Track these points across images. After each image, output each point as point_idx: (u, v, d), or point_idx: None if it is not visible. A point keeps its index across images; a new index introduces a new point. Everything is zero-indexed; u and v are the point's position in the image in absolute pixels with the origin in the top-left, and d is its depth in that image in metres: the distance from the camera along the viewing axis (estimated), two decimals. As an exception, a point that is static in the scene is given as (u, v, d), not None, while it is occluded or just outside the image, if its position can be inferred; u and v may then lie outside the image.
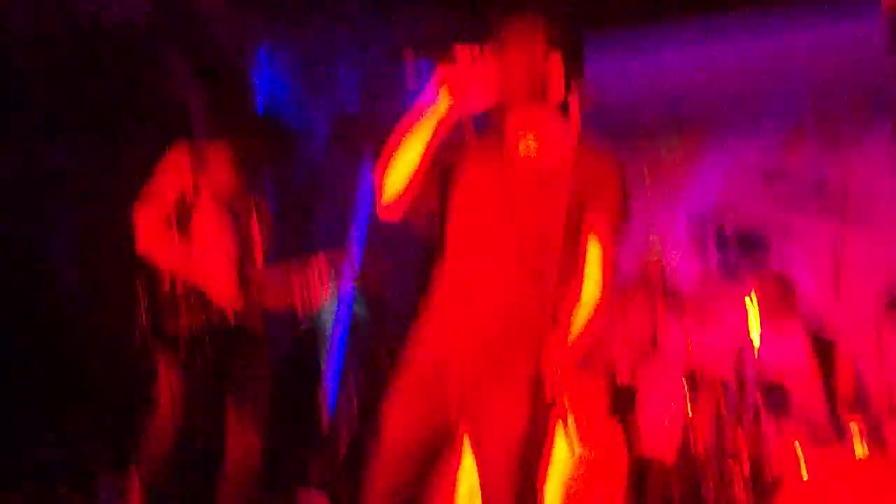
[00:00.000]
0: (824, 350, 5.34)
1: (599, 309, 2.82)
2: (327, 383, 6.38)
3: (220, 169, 4.24)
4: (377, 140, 2.95)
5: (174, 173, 4.10)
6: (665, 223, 6.76)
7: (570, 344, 2.77)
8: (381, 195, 2.87)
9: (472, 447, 2.85)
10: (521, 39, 2.82)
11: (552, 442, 2.84)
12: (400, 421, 2.85)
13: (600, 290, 2.83)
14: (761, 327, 5.22)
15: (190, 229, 4.12)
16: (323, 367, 6.38)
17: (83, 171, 5.36)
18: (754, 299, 5.22)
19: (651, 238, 6.43)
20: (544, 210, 2.76)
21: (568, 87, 2.85)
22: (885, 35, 5.06)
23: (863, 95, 6.10)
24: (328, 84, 6.27)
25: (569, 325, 2.78)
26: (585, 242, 2.85)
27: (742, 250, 6.48)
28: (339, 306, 6.30)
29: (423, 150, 2.80)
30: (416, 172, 2.82)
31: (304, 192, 6.36)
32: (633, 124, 6.97)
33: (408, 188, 2.84)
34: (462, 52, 2.74)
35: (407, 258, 6.26)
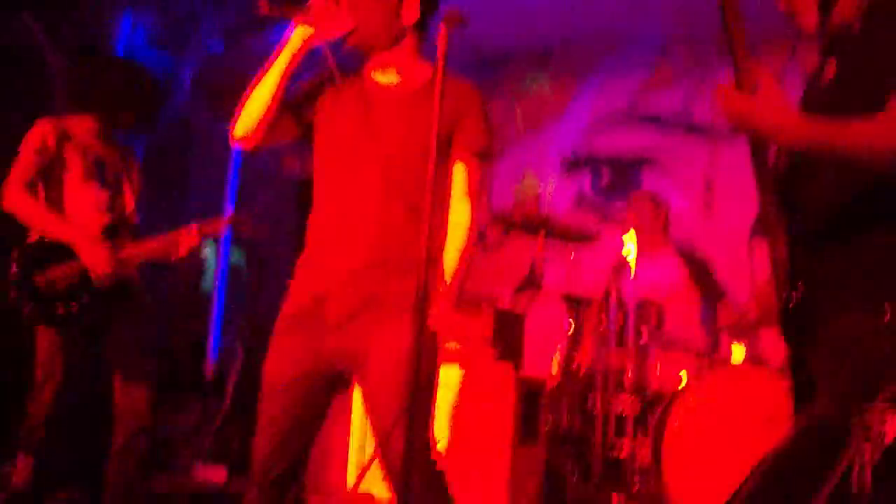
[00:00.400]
0: (699, 269, 5.46)
1: (470, 235, 2.88)
2: (211, 331, 6.34)
3: (85, 138, 4.25)
4: (241, 85, 2.95)
5: (35, 149, 4.12)
6: (537, 155, 6.84)
7: (447, 274, 2.82)
8: (235, 125, 2.91)
9: (357, 379, 2.86)
10: None
11: (437, 368, 2.85)
12: (281, 358, 2.85)
13: (469, 216, 2.89)
14: (637, 247, 5.32)
15: (59, 197, 4.15)
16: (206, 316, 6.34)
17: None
18: (628, 220, 5.33)
19: (525, 170, 6.51)
20: (408, 137, 2.82)
21: (425, 20, 2.90)
22: None
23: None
24: (191, 34, 6.17)
25: (446, 260, 2.84)
26: (451, 167, 2.89)
27: (613, 176, 6.60)
28: (217, 257, 6.26)
29: (277, 81, 2.85)
30: (270, 103, 2.86)
31: (174, 142, 6.29)
32: (502, 59, 7.03)
33: (262, 119, 2.87)
34: (317, 5, 2.79)
35: (279, 200, 6.26)
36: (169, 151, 5.93)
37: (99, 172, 4.25)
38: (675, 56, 6.55)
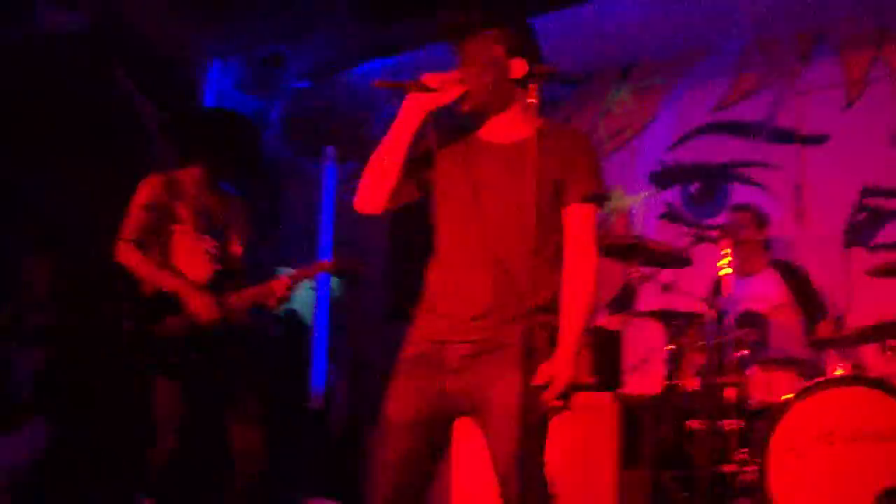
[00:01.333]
0: (798, 283, 5.43)
1: (589, 281, 2.93)
2: (316, 367, 6.47)
3: (192, 190, 4.44)
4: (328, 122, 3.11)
5: (145, 204, 4.33)
6: (624, 171, 6.86)
7: (568, 323, 2.89)
8: (359, 195, 3.06)
9: (476, 423, 2.93)
10: (480, 56, 2.98)
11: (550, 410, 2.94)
12: (402, 401, 2.94)
13: (587, 263, 2.94)
14: (737, 262, 5.33)
15: (168, 249, 4.36)
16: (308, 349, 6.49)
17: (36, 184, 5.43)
18: (726, 233, 5.31)
19: (612, 187, 6.53)
20: (516, 189, 2.89)
21: (529, 79, 2.98)
22: None
23: (804, 21, 6.18)
24: (277, 76, 6.33)
25: (565, 311, 2.90)
26: (565, 217, 2.97)
27: (703, 187, 6.58)
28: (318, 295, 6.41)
29: (397, 151, 2.97)
30: (392, 171, 2.99)
31: (264, 181, 6.46)
32: (584, 76, 7.06)
33: (384, 187, 3.02)
34: (431, 79, 2.90)
35: (373, 235, 6.39)
36: (259, 191, 6.09)
37: (207, 223, 4.42)
38: (755, 64, 6.51)
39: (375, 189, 3.03)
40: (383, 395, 2.97)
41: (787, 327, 5.28)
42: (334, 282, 6.43)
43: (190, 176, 4.46)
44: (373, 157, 3.02)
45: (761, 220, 5.59)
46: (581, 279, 2.93)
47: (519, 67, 3.00)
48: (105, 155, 5.58)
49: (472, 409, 2.93)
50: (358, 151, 6.69)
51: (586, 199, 2.97)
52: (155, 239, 4.33)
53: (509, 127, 3.04)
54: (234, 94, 6.22)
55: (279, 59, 6.16)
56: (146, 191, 4.35)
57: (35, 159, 5.34)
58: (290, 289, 4.39)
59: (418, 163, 3.07)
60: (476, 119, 3.08)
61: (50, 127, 5.39)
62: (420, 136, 2.99)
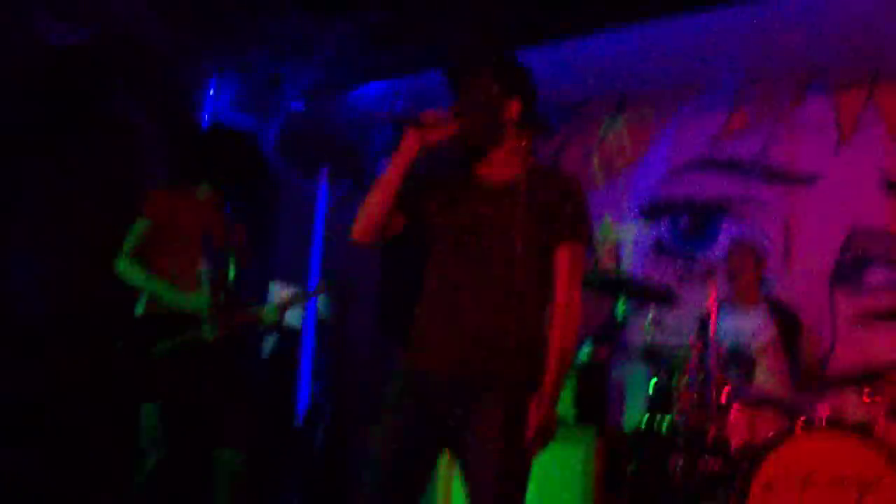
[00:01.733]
0: (787, 319, 5.46)
1: (573, 316, 3.03)
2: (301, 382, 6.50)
3: (194, 208, 4.48)
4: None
5: (148, 220, 4.38)
6: (615, 202, 6.89)
7: (553, 356, 2.97)
8: (356, 227, 3.15)
9: (459, 453, 3.01)
10: (477, 94, 3.10)
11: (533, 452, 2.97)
12: (391, 429, 3.01)
13: (572, 298, 3.04)
14: (730, 297, 5.38)
15: (167, 266, 4.37)
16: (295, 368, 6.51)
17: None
18: (724, 265, 5.33)
19: (603, 217, 6.56)
20: (506, 227, 3.00)
21: (525, 117, 3.11)
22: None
23: (798, 61, 6.22)
24: (273, 97, 6.36)
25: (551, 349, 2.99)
26: (554, 257, 3.06)
27: (692, 222, 6.61)
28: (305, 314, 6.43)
29: (394, 185, 3.07)
30: (387, 205, 3.08)
31: (259, 200, 6.49)
32: (578, 106, 7.10)
33: (380, 220, 3.11)
34: (428, 117, 3.02)
35: (363, 257, 6.41)
36: (254, 209, 6.13)
37: (206, 242, 4.43)
38: (749, 101, 6.56)
39: (370, 223, 3.11)
40: (368, 416, 3.03)
41: (772, 366, 5.31)
42: (322, 301, 6.45)
43: (193, 194, 4.49)
44: (370, 192, 3.10)
45: (760, 257, 5.63)
46: (567, 318, 3.01)
47: (515, 108, 3.07)
48: (101, 169, 5.59)
49: (455, 442, 2.98)
50: (352, 172, 6.74)
51: (574, 240, 3.06)
52: (155, 255, 4.35)
53: (501, 165, 3.12)
54: (230, 113, 6.24)
55: (276, 80, 6.20)
56: (150, 205, 4.37)
57: (32, 172, 5.35)
58: (280, 313, 4.43)
59: (410, 196, 3.14)
60: (469, 155, 3.15)
61: (48, 139, 5.40)
62: (412, 170, 3.07)
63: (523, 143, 3.12)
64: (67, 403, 5.12)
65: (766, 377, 5.22)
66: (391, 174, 3.07)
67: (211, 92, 6.21)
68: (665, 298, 5.19)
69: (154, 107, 5.87)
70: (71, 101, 5.55)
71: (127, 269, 4.29)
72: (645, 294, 5.12)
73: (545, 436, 2.94)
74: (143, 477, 4.20)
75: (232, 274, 4.53)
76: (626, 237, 6.82)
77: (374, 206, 3.08)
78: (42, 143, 5.39)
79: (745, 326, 5.42)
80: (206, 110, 6.22)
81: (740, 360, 5.17)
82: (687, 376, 4.86)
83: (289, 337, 6.30)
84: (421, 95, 3.08)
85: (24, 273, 5.21)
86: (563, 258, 3.05)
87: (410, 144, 3.04)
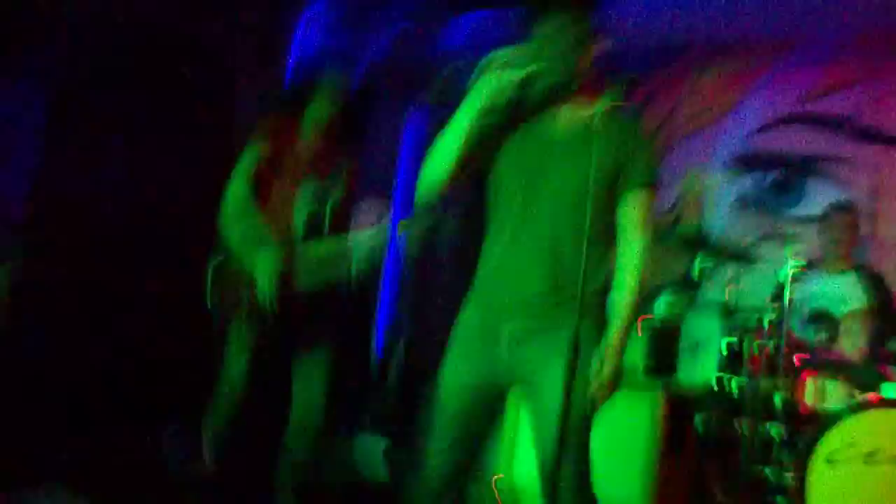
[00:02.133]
0: (878, 287, 5.41)
1: (642, 264, 3.01)
2: (378, 329, 6.58)
3: (295, 142, 4.40)
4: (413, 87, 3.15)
5: (259, 146, 4.31)
6: (703, 154, 6.82)
7: (620, 305, 2.98)
8: (426, 182, 3.10)
9: (526, 400, 3.08)
10: (564, 33, 3.00)
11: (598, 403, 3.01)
12: (455, 380, 3.09)
13: (641, 245, 3.02)
14: (820, 260, 5.35)
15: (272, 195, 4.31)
16: (374, 314, 6.58)
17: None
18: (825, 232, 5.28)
19: (688, 169, 6.51)
20: (573, 175, 3.00)
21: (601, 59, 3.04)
22: None
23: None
24: (363, 35, 6.34)
25: (616, 298, 2.99)
26: (620, 203, 3.04)
27: (780, 179, 6.53)
28: (388, 253, 6.47)
29: (474, 123, 3.00)
30: (461, 155, 3.02)
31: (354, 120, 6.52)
32: (674, 51, 7.01)
33: (456, 170, 3.04)
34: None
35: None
36: (349, 130, 6.18)
37: (309, 172, 4.41)
38: (847, 61, 6.42)
39: (444, 174, 3.05)
40: (439, 365, 3.10)
41: (857, 333, 5.27)
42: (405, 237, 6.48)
43: (294, 130, 4.47)
44: (448, 131, 3.04)
45: (858, 224, 5.56)
46: (635, 267, 3.00)
47: (597, 52, 3.05)
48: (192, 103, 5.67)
49: (523, 386, 3.05)
50: (447, 99, 6.72)
51: (641, 186, 3.03)
52: (263, 183, 4.30)
53: (573, 111, 3.08)
54: (334, 30, 6.18)
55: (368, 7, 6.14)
56: (259, 133, 4.34)
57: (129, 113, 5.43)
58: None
59: (491, 137, 3.10)
60: (546, 99, 3.09)
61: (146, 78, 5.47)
62: (496, 111, 3.01)
63: (601, 90, 3.08)
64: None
65: (851, 345, 5.19)
66: (472, 114, 2.98)
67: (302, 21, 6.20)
68: (744, 257, 5.15)
69: (242, 39, 5.89)
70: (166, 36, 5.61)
71: (233, 196, 4.27)
72: (724, 252, 5.08)
73: (609, 387, 2.97)
74: (221, 420, 4.32)
75: (337, 199, 4.49)
76: (711, 190, 6.77)
77: (455, 147, 3.02)
78: (140, 82, 5.46)
79: (836, 292, 5.39)
80: (297, 38, 6.21)
81: (826, 325, 5.15)
82: (760, 339, 4.86)
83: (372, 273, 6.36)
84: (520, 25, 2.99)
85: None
86: (631, 205, 3.02)
87: (492, 84, 2.94)
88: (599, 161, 2.88)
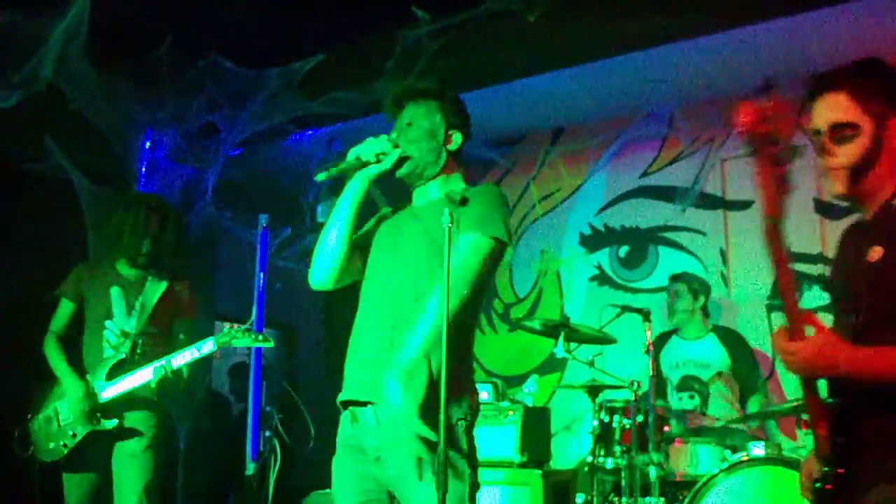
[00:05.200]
0: (737, 345, 5.64)
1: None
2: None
3: (114, 278, 4.49)
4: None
5: (69, 297, 4.48)
6: (554, 233, 6.91)
7: None
8: (312, 274, 3.11)
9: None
10: (420, 123, 3.09)
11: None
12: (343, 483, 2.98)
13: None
14: (677, 329, 5.44)
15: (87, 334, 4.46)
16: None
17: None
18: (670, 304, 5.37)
19: (543, 249, 6.54)
20: (411, 247, 2.99)
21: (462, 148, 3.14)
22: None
23: (727, 88, 6.27)
24: (209, 146, 6.35)
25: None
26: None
27: (631, 250, 6.64)
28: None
29: (346, 228, 3.04)
30: (342, 249, 3.05)
31: (199, 243, 6.49)
32: (517, 140, 7.14)
33: (336, 265, 3.06)
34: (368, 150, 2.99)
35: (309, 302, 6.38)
36: (195, 253, 6.13)
37: (127, 306, 4.43)
38: (682, 130, 6.65)
39: (326, 269, 3.06)
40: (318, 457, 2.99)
41: (724, 394, 5.40)
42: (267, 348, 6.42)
43: (115, 264, 4.50)
44: (322, 235, 3.06)
45: (696, 290, 5.73)
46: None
47: (454, 139, 3.11)
48: (34, 223, 5.57)
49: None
50: (291, 218, 6.74)
51: (471, 231, 2.92)
52: (76, 328, 4.45)
53: (437, 191, 3.10)
54: (168, 164, 6.22)
55: (212, 129, 6.19)
56: (70, 282, 4.47)
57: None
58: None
59: (363, 239, 3.13)
60: (410, 184, 3.14)
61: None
62: (366, 209, 3.06)
63: (456, 174, 3.13)
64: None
65: (718, 405, 5.30)
66: (342, 218, 3.03)
67: (147, 144, 6.19)
68: (605, 337, 5.23)
69: (90, 163, 5.85)
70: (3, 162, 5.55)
71: (47, 349, 4.41)
72: (585, 333, 5.14)
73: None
74: None
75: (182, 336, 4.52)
76: (565, 268, 6.90)
77: (328, 253, 3.04)
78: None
79: (698, 357, 5.53)
80: (143, 162, 6.20)
81: (696, 390, 5.25)
82: (628, 416, 4.91)
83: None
84: (355, 140, 3.02)
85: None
86: (459, 249, 2.89)
87: (358, 183, 3.02)
88: (437, 227, 2.79)
